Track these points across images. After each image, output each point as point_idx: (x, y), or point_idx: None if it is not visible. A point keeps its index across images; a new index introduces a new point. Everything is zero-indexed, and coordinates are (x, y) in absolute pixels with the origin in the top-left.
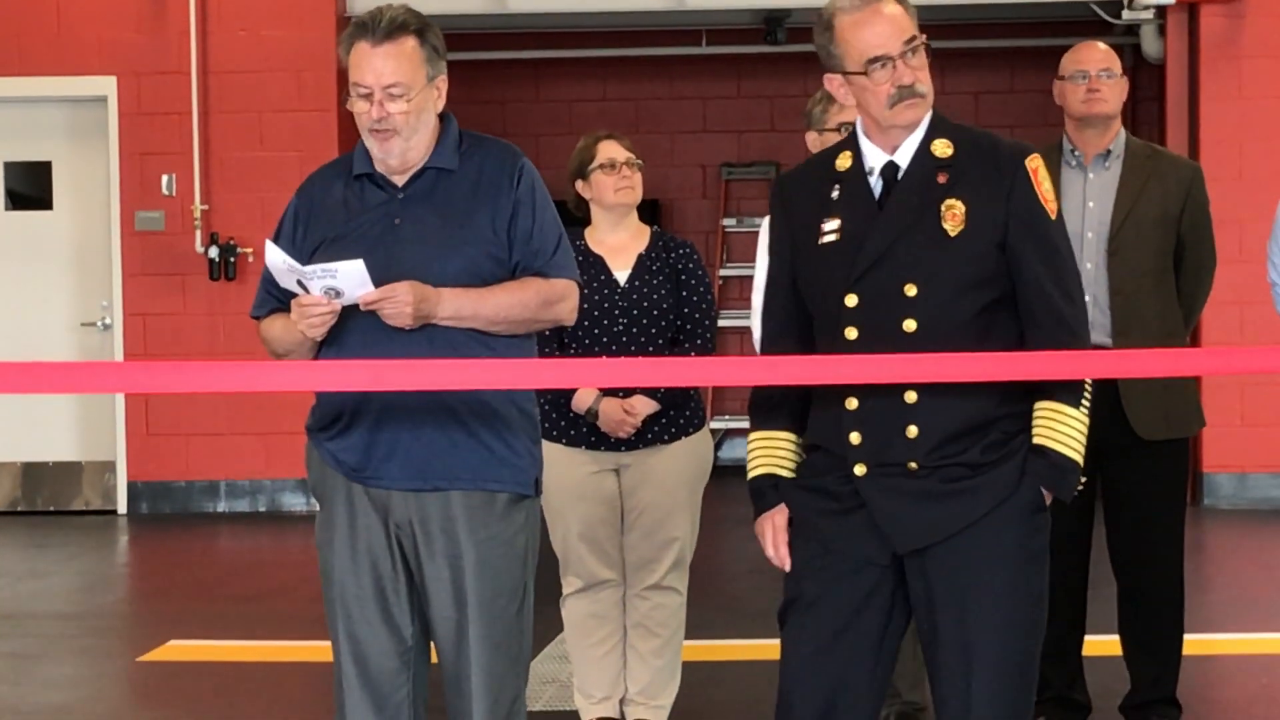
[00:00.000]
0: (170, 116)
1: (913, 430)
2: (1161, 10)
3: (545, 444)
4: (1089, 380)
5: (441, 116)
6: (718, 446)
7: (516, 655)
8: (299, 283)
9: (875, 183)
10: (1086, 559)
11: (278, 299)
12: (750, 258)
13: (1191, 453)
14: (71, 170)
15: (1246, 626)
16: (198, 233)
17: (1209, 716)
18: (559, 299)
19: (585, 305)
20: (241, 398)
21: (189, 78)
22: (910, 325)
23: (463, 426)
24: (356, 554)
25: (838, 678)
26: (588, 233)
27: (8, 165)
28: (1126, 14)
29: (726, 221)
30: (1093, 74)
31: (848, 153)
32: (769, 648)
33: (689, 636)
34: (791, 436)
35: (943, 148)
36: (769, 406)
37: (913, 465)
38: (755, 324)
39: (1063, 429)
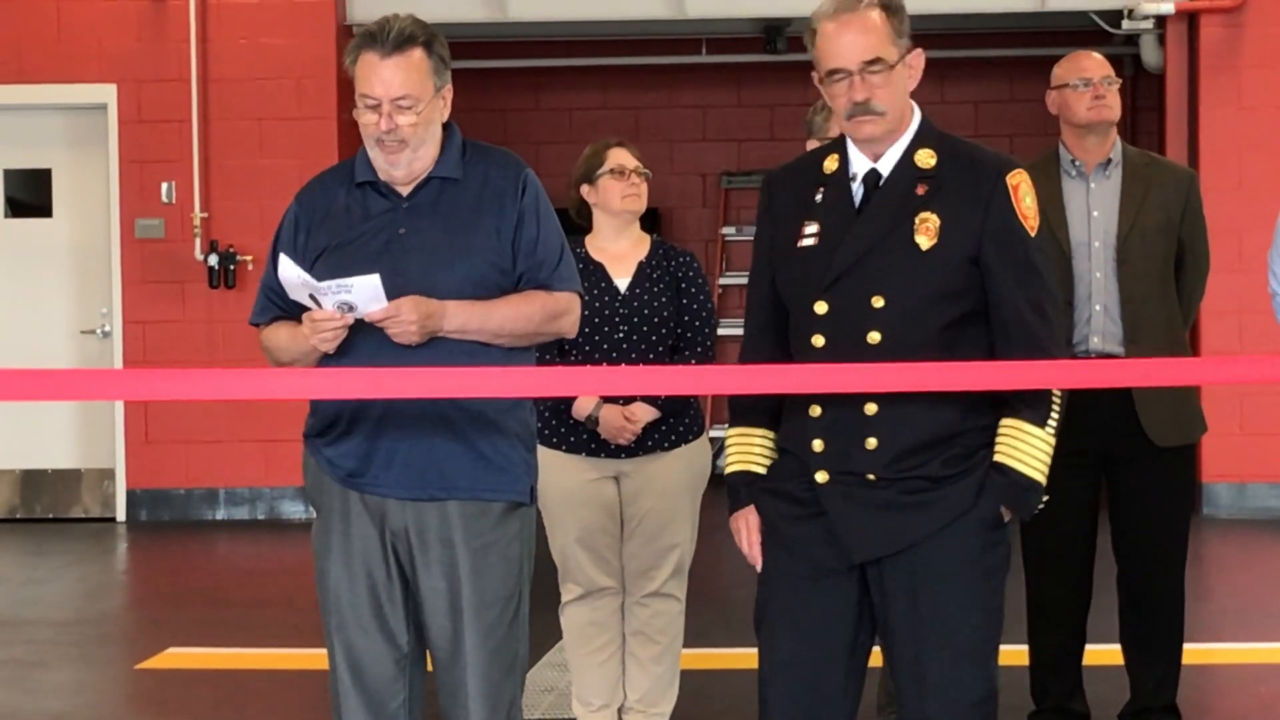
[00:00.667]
0: (170, 124)
1: (872, 442)
2: (1161, 20)
3: (545, 451)
4: (1058, 401)
5: (445, 126)
6: (717, 455)
7: (512, 663)
8: (311, 296)
9: (857, 189)
10: (1090, 567)
11: (280, 307)
12: (749, 266)
13: (1194, 461)
14: (71, 178)
15: (1245, 636)
16: (197, 240)
17: None
18: (563, 312)
19: (586, 313)
20: (241, 405)
21: (189, 85)
22: (874, 337)
23: (460, 435)
24: (352, 561)
25: (809, 686)
26: (588, 240)
27: (8, 172)
28: (1126, 24)
29: (726, 230)
30: (1096, 80)
31: (835, 155)
32: None
33: (688, 644)
34: (769, 434)
35: (926, 158)
36: (748, 404)
37: (871, 476)
38: None
39: (1024, 447)
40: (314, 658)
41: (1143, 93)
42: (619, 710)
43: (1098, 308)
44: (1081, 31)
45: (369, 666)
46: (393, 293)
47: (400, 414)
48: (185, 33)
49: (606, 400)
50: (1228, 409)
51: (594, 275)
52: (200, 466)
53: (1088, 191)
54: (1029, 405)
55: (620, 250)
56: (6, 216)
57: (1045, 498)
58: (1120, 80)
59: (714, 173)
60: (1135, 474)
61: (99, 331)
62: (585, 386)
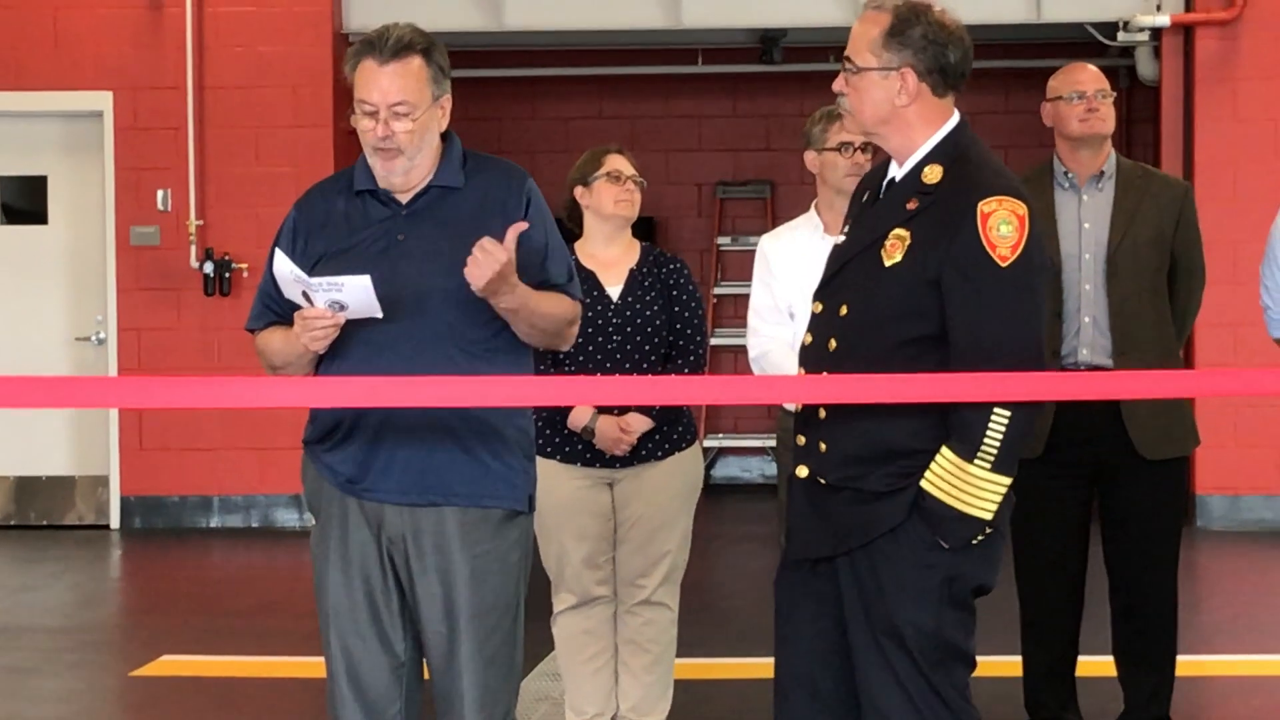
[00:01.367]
0: (166, 132)
1: (823, 445)
2: (1157, 32)
3: (540, 460)
4: (995, 436)
5: (444, 135)
6: (711, 465)
7: (509, 671)
8: (304, 294)
9: (882, 194)
10: (1082, 579)
11: (275, 312)
12: (745, 276)
13: (1186, 473)
14: (67, 185)
15: (1239, 648)
16: (193, 248)
17: None
18: (575, 320)
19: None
20: (235, 413)
21: (185, 93)
22: (832, 344)
23: (460, 442)
24: (349, 567)
25: (805, 674)
26: (578, 246)
27: (4, 179)
28: (1122, 36)
29: (721, 240)
30: (1090, 93)
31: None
32: (761, 666)
33: (681, 654)
34: None
35: (931, 173)
36: None
37: (821, 480)
38: (751, 343)
39: (948, 477)
40: (309, 665)
41: (1138, 105)
42: (612, 719)
43: (1087, 320)
44: (1077, 43)
45: (366, 674)
46: (389, 297)
47: (400, 421)
48: (181, 40)
49: (601, 410)
50: (1222, 421)
51: (586, 283)
52: (194, 474)
53: (1079, 204)
54: (958, 438)
55: (611, 257)
56: (2, 223)
57: (989, 530)
58: (1115, 93)
59: (710, 182)
60: (1126, 486)
61: (94, 338)
62: (587, 396)
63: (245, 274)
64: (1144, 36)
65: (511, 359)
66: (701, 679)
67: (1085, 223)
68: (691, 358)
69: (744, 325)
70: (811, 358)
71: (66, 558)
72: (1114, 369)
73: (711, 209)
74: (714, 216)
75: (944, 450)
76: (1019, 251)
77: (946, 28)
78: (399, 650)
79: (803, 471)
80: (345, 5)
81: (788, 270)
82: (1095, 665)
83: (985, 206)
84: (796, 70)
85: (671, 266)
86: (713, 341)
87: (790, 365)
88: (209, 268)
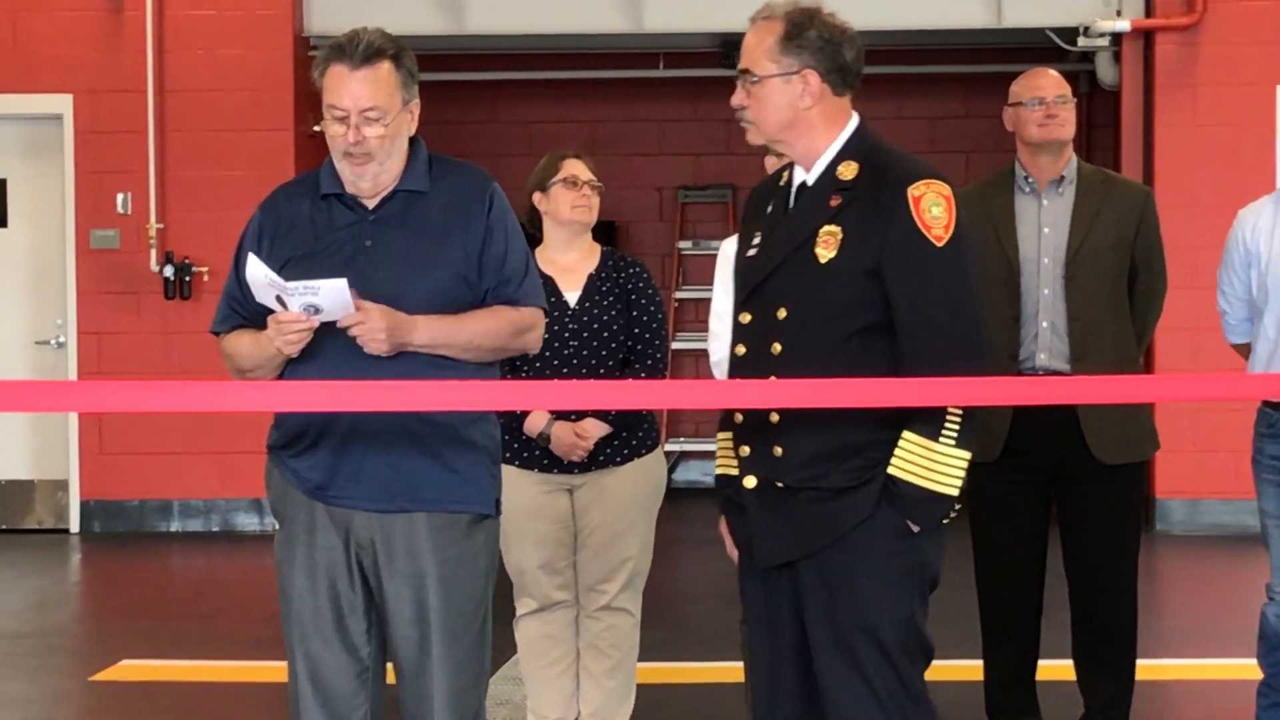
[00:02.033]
0: (126, 135)
1: (778, 450)
2: (1117, 38)
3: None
4: (955, 413)
5: (411, 139)
6: (673, 469)
7: (478, 674)
8: (277, 298)
9: (791, 201)
10: (1041, 584)
11: (241, 315)
12: (707, 280)
13: (1145, 477)
14: (27, 188)
15: (1198, 652)
16: (153, 251)
17: None
18: (529, 327)
19: None
20: (195, 417)
21: (145, 96)
22: (776, 348)
23: (428, 448)
24: (315, 573)
25: (771, 680)
26: (539, 251)
27: None
28: (1082, 41)
29: (683, 244)
30: (1049, 100)
31: (791, 168)
32: (722, 670)
33: (643, 658)
34: None
35: (846, 170)
36: (726, 409)
37: (780, 484)
38: (712, 347)
39: (916, 459)
40: (269, 670)
41: (1098, 110)
42: None
43: (1045, 324)
44: (1038, 48)
45: (330, 679)
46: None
47: (367, 427)
48: (142, 43)
49: (558, 416)
50: (1181, 425)
51: (544, 289)
52: (154, 478)
53: (1040, 209)
54: (920, 419)
55: (570, 262)
56: None
57: (957, 507)
58: (1076, 99)
59: (671, 186)
60: (1083, 491)
61: (54, 342)
62: (543, 401)
63: (206, 277)
64: (1104, 42)
65: (479, 367)
66: (663, 683)
67: (1045, 227)
68: (649, 362)
69: (705, 329)
70: (751, 366)
71: (26, 562)
72: (1072, 374)
73: (673, 213)
74: (675, 220)
75: (906, 434)
76: (952, 230)
77: (839, 28)
78: (363, 655)
79: (751, 481)
80: (306, 9)
81: None
82: (1056, 669)
83: (915, 190)
84: None
85: (631, 270)
86: (674, 346)
87: None
88: (169, 271)
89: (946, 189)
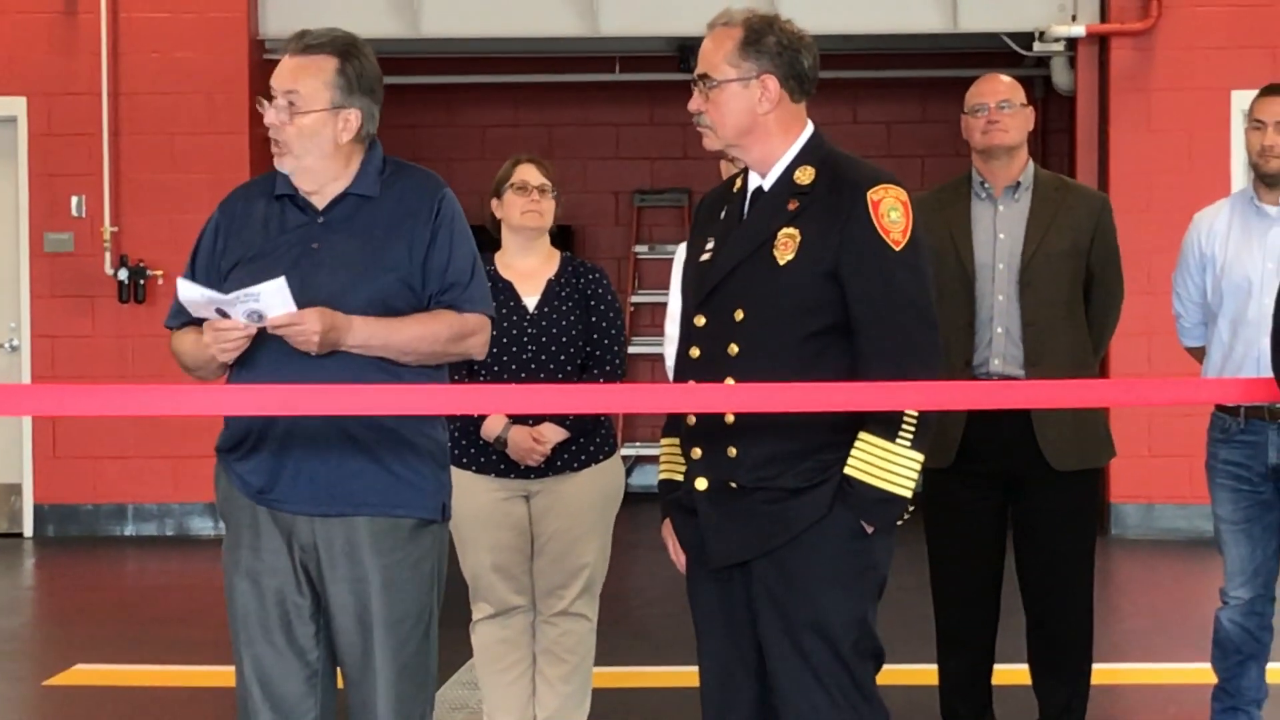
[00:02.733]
0: (80, 138)
1: (733, 450)
2: (1072, 43)
3: (455, 471)
4: (912, 415)
5: (370, 143)
6: (629, 473)
7: (424, 680)
8: (218, 311)
9: (746, 206)
10: (997, 588)
11: (190, 312)
12: (662, 284)
13: (1099, 483)
14: None
15: (1153, 656)
16: (107, 254)
17: None
18: (470, 333)
19: (494, 332)
20: (149, 421)
21: (100, 99)
22: (733, 349)
23: (368, 451)
24: (261, 577)
25: (724, 681)
26: (498, 257)
27: None
28: (1038, 46)
29: (638, 248)
30: (991, 106)
31: (743, 173)
32: (679, 675)
33: (599, 663)
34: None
35: (803, 175)
36: (672, 414)
37: (733, 484)
38: (668, 351)
39: (872, 460)
40: (223, 674)
41: (1053, 115)
42: None
43: (999, 330)
44: (993, 53)
45: (279, 683)
46: (302, 306)
47: (306, 430)
48: (96, 46)
49: (515, 420)
50: (1135, 430)
51: (503, 294)
52: (108, 482)
53: (995, 214)
54: (877, 420)
55: (528, 267)
56: None
57: (910, 509)
58: (1028, 105)
59: (627, 190)
60: (1037, 497)
61: (7, 345)
62: (496, 405)
63: (160, 281)
64: (1059, 47)
65: (422, 370)
66: (619, 687)
67: (1000, 233)
68: (608, 367)
69: (661, 334)
70: (706, 367)
71: None
72: (1026, 379)
73: (629, 217)
74: (631, 225)
75: (863, 435)
76: (909, 235)
77: (797, 35)
78: (312, 659)
79: (703, 483)
80: (261, 12)
81: None
82: (1012, 674)
83: (874, 195)
84: None
85: (591, 276)
86: (630, 349)
87: None
88: (124, 274)
89: (904, 194)
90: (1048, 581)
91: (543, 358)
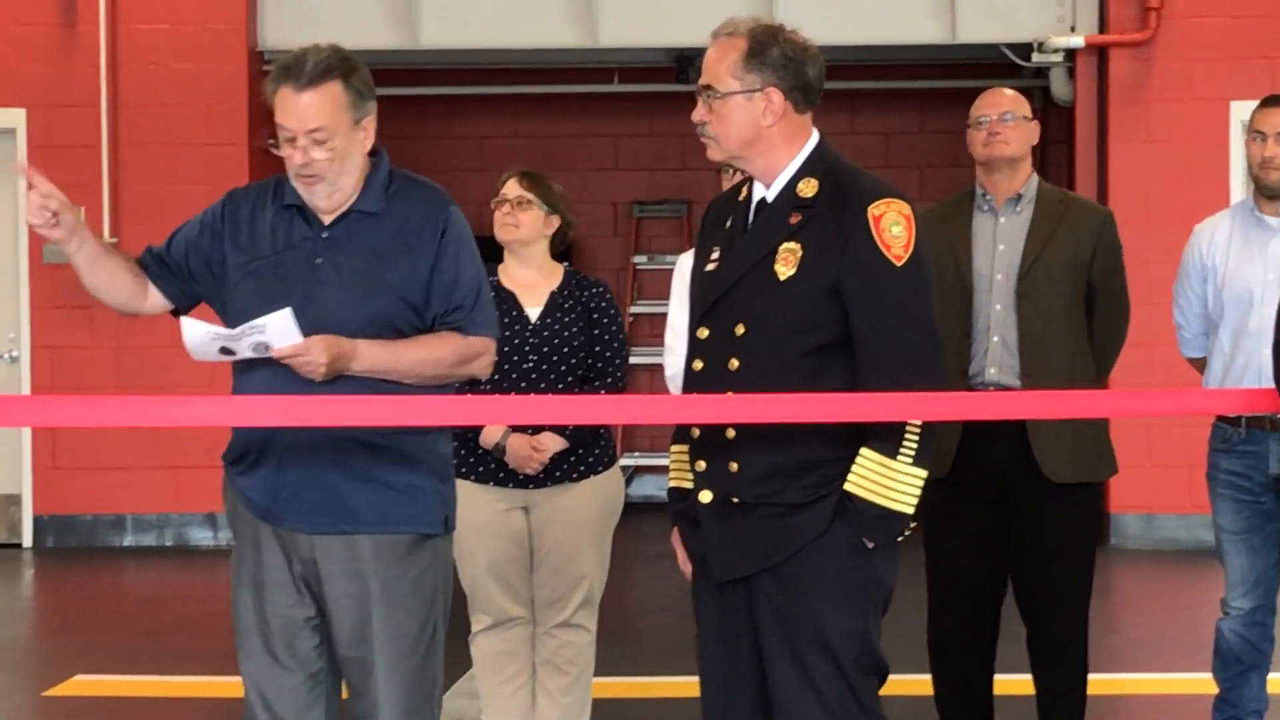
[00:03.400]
0: (79, 149)
1: (734, 465)
2: (1071, 54)
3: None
4: (914, 431)
5: (374, 152)
6: (627, 483)
7: (428, 693)
8: (221, 349)
9: (751, 217)
10: (997, 599)
11: (159, 273)
12: (661, 295)
13: (1099, 496)
14: None
15: (1153, 667)
16: None
17: None
18: (475, 356)
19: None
20: (149, 432)
21: (99, 111)
22: (734, 364)
23: (365, 467)
24: (263, 590)
25: (725, 694)
26: (501, 269)
27: None
28: (1036, 57)
29: (638, 259)
30: (993, 118)
31: (749, 183)
32: (678, 685)
33: (598, 673)
34: None
35: (806, 187)
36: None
37: (735, 499)
38: (667, 361)
39: (873, 476)
40: (223, 685)
41: (1052, 125)
42: None
43: (995, 340)
44: (992, 64)
45: (282, 695)
46: (304, 323)
47: (304, 448)
48: (95, 57)
49: (515, 429)
50: (1135, 440)
51: (505, 304)
52: (108, 493)
53: (996, 226)
54: (878, 436)
55: (528, 279)
56: None
57: (913, 524)
58: (1032, 119)
59: (626, 201)
60: (1031, 509)
61: (7, 356)
62: (497, 416)
63: None
64: (1058, 58)
65: (426, 390)
66: (619, 698)
67: (1000, 244)
68: (609, 380)
69: (660, 344)
70: (708, 381)
71: None
72: (1021, 389)
73: (628, 228)
74: (630, 235)
75: (865, 451)
76: (911, 250)
77: (802, 46)
78: (315, 671)
79: (707, 496)
80: (260, 23)
81: None
82: (1012, 684)
83: (875, 210)
84: None
85: (594, 290)
86: (630, 361)
87: None
88: None
89: (906, 208)
90: (1044, 593)
91: (544, 368)
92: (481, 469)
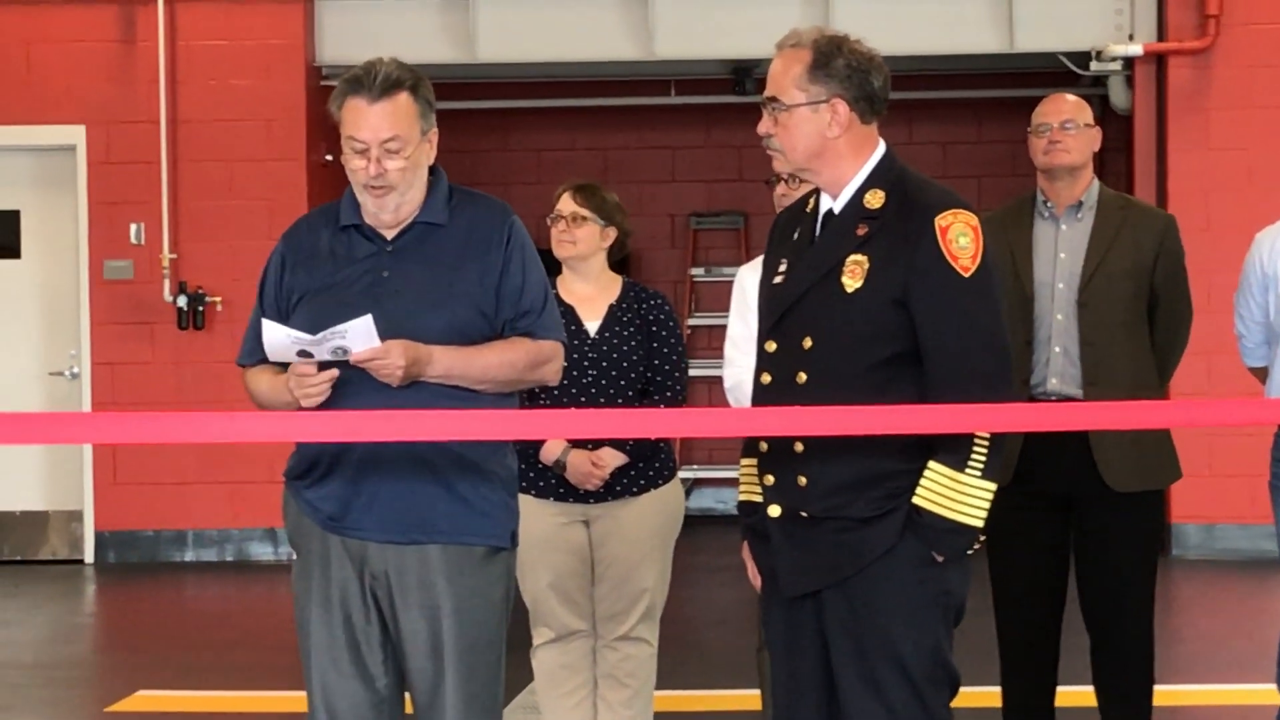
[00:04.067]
0: (139, 165)
1: (802, 480)
2: (1129, 62)
3: None
4: (982, 444)
5: (432, 170)
6: (687, 495)
7: (492, 707)
8: (299, 353)
9: (818, 229)
10: (1060, 610)
11: (270, 356)
12: (719, 307)
13: (1161, 506)
14: (40, 219)
15: (1216, 678)
16: (166, 282)
17: None
18: (546, 360)
19: None
20: (208, 447)
21: (158, 127)
22: (802, 377)
23: (441, 479)
24: (330, 604)
25: (791, 708)
26: (559, 282)
27: None
28: (1095, 65)
29: (695, 271)
30: (1054, 126)
31: (816, 194)
32: (739, 697)
33: (660, 686)
34: None
35: (873, 199)
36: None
37: (804, 514)
38: (727, 373)
39: (941, 489)
40: (285, 700)
41: (1111, 134)
42: None
43: (1057, 349)
44: (1049, 73)
45: (346, 709)
46: (379, 336)
47: (381, 457)
48: (154, 74)
49: (575, 445)
50: (1197, 450)
51: (565, 318)
52: (168, 508)
53: (1057, 233)
54: (946, 449)
55: (587, 292)
56: None
57: (982, 537)
58: (1093, 125)
59: (683, 213)
60: (1096, 518)
61: (68, 373)
62: (557, 430)
63: (219, 308)
64: (1117, 66)
65: (497, 398)
66: (679, 711)
67: (1061, 252)
68: (669, 393)
69: (718, 357)
70: (776, 394)
71: (40, 593)
72: (1084, 399)
73: (685, 240)
74: (687, 248)
75: (932, 464)
76: (979, 260)
77: (866, 55)
78: (380, 686)
79: (775, 510)
80: (318, 38)
81: None
82: (1076, 695)
83: (941, 221)
84: None
85: (652, 303)
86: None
87: None
88: (182, 301)
89: (974, 219)
90: (1108, 602)
91: (603, 382)
92: (542, 484)
